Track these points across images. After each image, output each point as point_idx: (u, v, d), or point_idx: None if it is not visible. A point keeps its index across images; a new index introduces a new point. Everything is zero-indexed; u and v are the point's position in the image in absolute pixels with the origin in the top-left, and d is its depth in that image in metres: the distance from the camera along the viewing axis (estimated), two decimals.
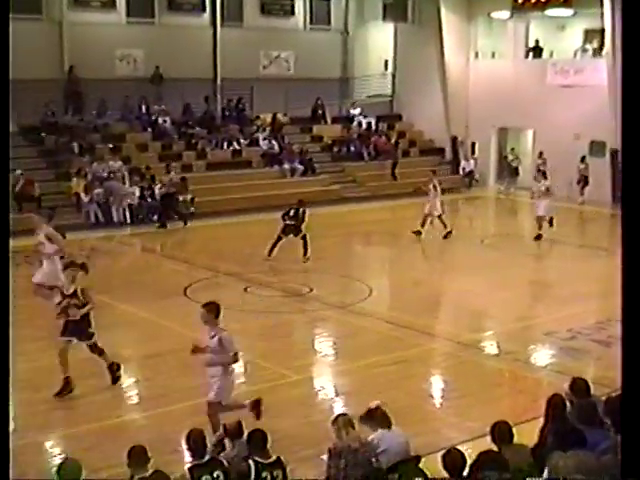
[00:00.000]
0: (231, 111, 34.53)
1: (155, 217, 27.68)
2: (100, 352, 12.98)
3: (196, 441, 7.75)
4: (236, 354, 10.87)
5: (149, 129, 32.21)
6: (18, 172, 26.42)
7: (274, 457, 7.80)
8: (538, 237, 24.09)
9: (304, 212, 21.63)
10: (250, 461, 7.65)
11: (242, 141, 33.25)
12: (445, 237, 24.28)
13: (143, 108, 32.47)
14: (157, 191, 28.01)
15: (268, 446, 7.87)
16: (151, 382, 13.54)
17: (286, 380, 13.09)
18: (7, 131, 6.45)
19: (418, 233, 24.14)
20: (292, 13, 36.82)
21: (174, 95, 32.57)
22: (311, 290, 18.53)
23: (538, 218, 24.25)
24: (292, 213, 21.62)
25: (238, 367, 14.22)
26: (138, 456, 7.53)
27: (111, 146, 30.22)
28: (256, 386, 13.12)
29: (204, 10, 34.80)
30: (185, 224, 26.81)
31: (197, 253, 22.85)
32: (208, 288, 18.98)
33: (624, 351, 6.23)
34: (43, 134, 30.05)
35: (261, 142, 33.23)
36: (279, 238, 21.40)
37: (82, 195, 27.14)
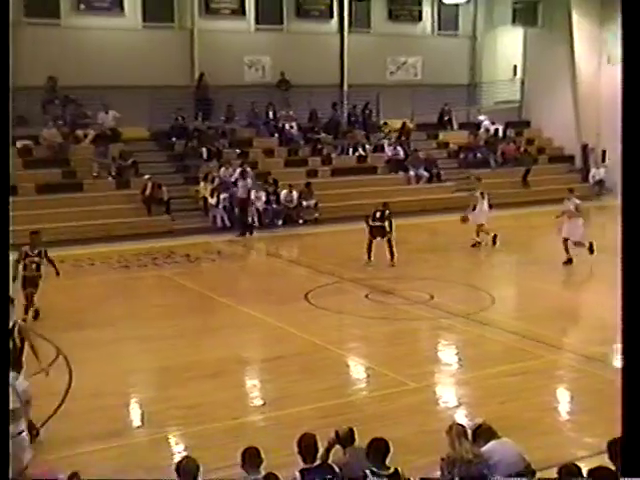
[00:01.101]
0: (357, 117, 34.63)
1: (280, 222, 28.06)
2: None
3: (307, 445, 7.75)
4: (28, 402, 9.25)
5: (276, 135, 32.60)
6: (146, 176, 27.23)
7: (392, 469, 7.62)
8: (569, 261, 21.71)
9: (389, 214, 21.78)
10: (367, 470, 7.53)
11: (367, 147, 33.33)
12: (473, 246, 23.95)
13: (270, 114, 32.90)
14: (282, 196, 28.40)
15: None
16: (271, 385, 13.67)
17: (404, 388, 13.00)
18: (7, 131, 6.54)
19: (493, 241, 23.90)
20: (420, 19, 36.71)
21: (301, 101, 32.91)
22: (432, 298, 18.37)
23: (564, 241, 21.65)
24: (378, 215, 21.85)
25: (358, 373, 14.38)
26: (251, 458, 7.61)
27: (238, 151, 30.75)
28: (374, 393, 13.12)
29: (332, 16, 35.05)
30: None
31: (320, 258, 22.95)
32: (329, 294, 19.09)
33: (625, 351, 6.08)
34: (173, 139, 30.82)
35: (386, 148, 33.21)
36: (370, 242, 21.81)
37: (209, 199, 27.67)
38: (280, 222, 28.09)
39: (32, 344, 11.14)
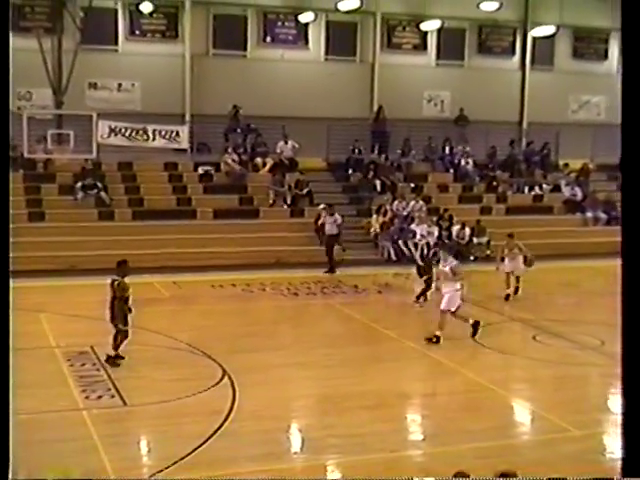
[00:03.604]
0: (535, 155, 34.08)
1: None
2: None
3: None
4: None
5: (451, 170, 32.51)
6: (320, 206, 27.59)
7: None
8: (433, 339, 17.43)
9: None
10: None
11: (544, 186, 32.75)
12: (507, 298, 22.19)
13: (446, 149, 32.84)
14: (454, 232, 28.24)
15: None
16: (430, 420, 13.50)
17: (568, 434, 12.57)
18: (7, 132, 6.63)
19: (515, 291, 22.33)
20: (606, 57, 35.86)
21: (478, 137, 32.73)
22: (603, 344, 17.73)
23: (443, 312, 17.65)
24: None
25: (520, 416, 14.05)
26: None
27: (412, 185, 30.82)
28: (536, 437, 12.78)
29: (514, 53, 34.80)
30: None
31: (490, 296, 22.58)
32: (496, 333, 18.72)
33: (624, 352, 6.01)
34: (349, 171, 31.22)
35: (563, 188, 32.51)
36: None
37: (379, 232, 27.83)
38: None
39: None
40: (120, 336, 15.14)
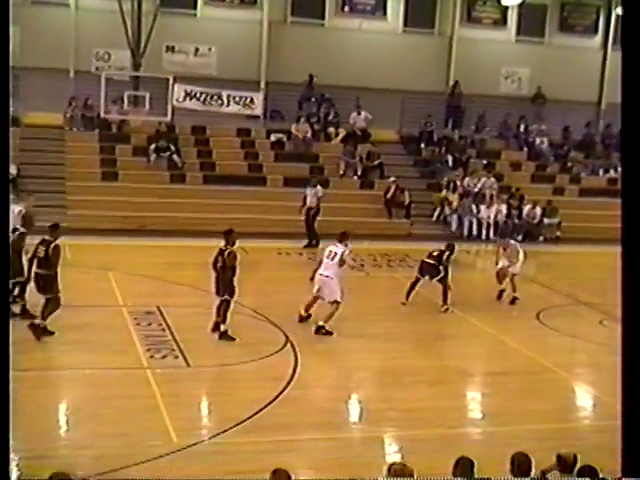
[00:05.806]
0: (612, 138, 33.39)
1: (520, 237, 27.56)
2: None
3: (520, 465, 7.61)
4: None
5: (525, 148, 32.07)
6: (391, 179, 27.51)
7: None
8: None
9: None
10: None
11: (620, 169, 32.12)
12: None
13: (521, 127, 32.39)
14: (525, 212, 27.94)
15: None
16: (491, 399, 13.48)
17: None
18: (7, 130, 6.59)
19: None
20: None
21: (555, 116, 32.19)
22: None
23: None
24: None
25: (582, 400, 13.90)
26: (464, 467, 7.54)
27: (485, 162, 30.50)
28: (597, 422, 12.68)
29: (596, 32, 34.05)
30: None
31: (558, 278, 22.34)
32: (562, 315, 18.54)
33: (624, 351, 5.99)
34: (421, 145, 31.00)
35: None
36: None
37: (447, 207, 27.68)
38: (520, 237, 27.56)
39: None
40: (223, 306, 14.73)
